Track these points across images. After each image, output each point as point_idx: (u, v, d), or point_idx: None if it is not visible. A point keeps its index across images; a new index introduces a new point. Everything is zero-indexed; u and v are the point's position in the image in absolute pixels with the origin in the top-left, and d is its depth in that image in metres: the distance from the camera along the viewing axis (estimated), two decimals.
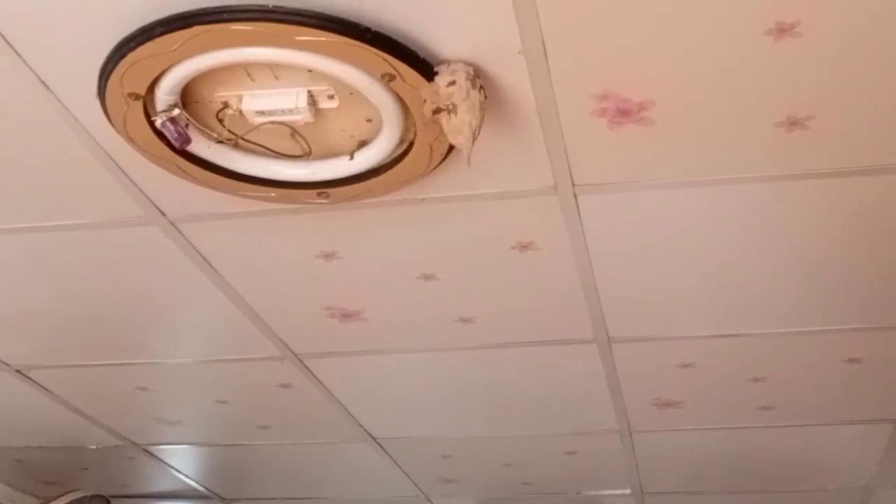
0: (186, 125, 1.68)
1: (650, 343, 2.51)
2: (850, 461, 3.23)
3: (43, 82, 1.67)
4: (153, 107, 1.65)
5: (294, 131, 1.73)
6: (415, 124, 1.66)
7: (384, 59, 1.51)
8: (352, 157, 1.77)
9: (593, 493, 3.67)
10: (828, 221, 1.98)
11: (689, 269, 2.17)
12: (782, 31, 1.49)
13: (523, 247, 2.10)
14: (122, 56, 1.53)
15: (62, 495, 3.23)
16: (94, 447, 3.38)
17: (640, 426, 3.02)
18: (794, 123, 1.69)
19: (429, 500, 3.79)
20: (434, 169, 1.79)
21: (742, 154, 1.79)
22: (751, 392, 2.75)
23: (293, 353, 2.63)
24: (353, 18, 1.48)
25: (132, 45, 1.51)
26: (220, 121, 1.71)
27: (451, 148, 1.71)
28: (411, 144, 1.72)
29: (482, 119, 1.58)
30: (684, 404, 2.85)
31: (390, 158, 1.77)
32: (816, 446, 3.10)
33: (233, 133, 1.72)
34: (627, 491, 3.61)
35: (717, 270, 2.17)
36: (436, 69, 1.56)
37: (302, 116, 1.65)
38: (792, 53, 1.54)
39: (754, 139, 1.74)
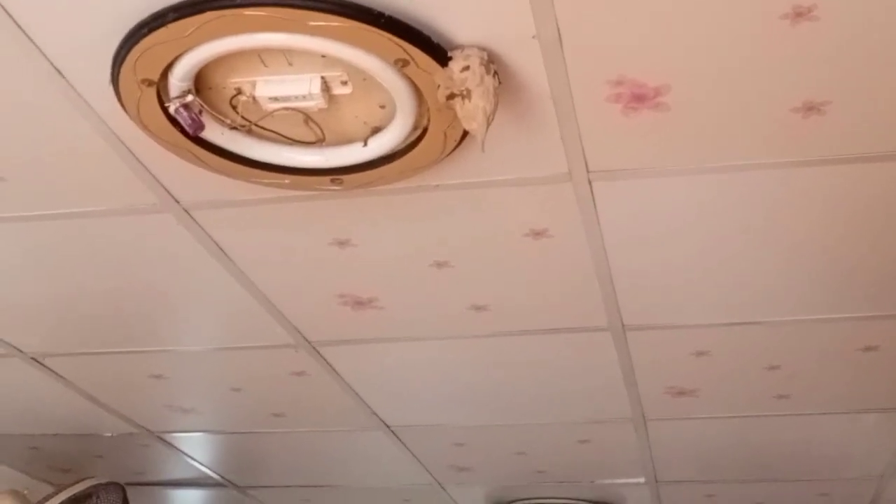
0: (200, 111, 1.68)
1: (665, 331, 2.50)
2: (865, 450, 3.22)
3: (56, 69, 1.67)
4: (166, 93, 1.64)
5: (307, 118, 1.73)
6: (428, 110, 1.66)
7: (398, 44, 1.50)
8: (365, 144, 1.76)
9: (607, 481, 3.67)
10: (844, 207, 1.97)
11: (704, 257, 2.16)
12: (799, 14, 1.48)
13: (537, 234, 2.09)
14: (136, 42, 1.52)
15: (77, 482, 3.24)
16: (109, 435, 3.39)
17: (654, 415, 3.01)
18: (810, 109, 1.68)
19: (442, 487, 3.80)
20: (448, 155, 1.78)
21: (758, 140, 1.77)
22: (766, 380, 2.73)
23: (307, 340, 2.63)
24: (366, 3, 1.47)
25: (145, 31, 1.50)
26: (234, 107, 1.70)
27: (465, 134, 1.70)
28: (425, 131, 1.72)
29: (496, 105, 1.58)
30: (699, 393, 2.84)
31: (404, 145, 1.76)
32: (831, 435, 3.09)
33: (246, 119, 1.72)
34: (642, 480, 3.60)
35: (732, 258, 2.16)
36: (450, 54, 1.55)
37: (315, 103, 1.64)
38: (808, 38, 1.52)
39: (770, 125, 1.73)
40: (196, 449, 3.55)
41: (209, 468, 3.74)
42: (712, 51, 1.56)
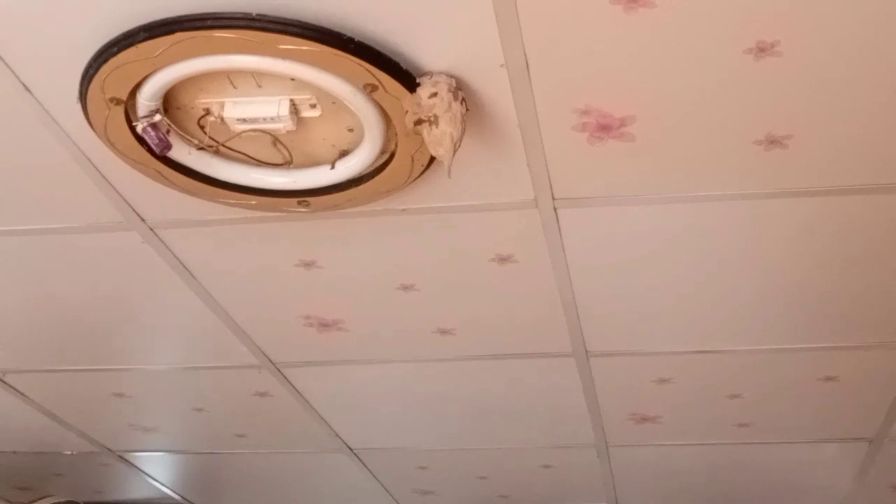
0: (167, 131, 1.68)
1: (628, 358, 2.51)
2: (825, 479, 3.24)
3: (24, 86, 1.67)
4: (134, 112, 1.64)
5: (276, 139, 1.73)
6: (396, 135, 1.67)
7: (367, 69, 1.51)
8: (333, 167, 1.77)
9: None
10: (806, 240, 1.99)
11: (668, 285, 2.18)
12: (762, 50, 1.50)
13: (503, 259, 2.10)
14: (105, 61, 1.53)
15: (34, 501, 3.21)
16: (69, 453, 3.35)
17: (617, 441, 3.03)
18: (772, 142, 1.70)
19: None
20: (415, 180, 1.79)
21: (721, 171, 1.80)
22: (727, 408, 2.75)
23: (271, 361, 2.62)
24: (336, 28, 1.48)
25: (115, 49, 1.51)
26: (202, 127, 1.71)
27: (433, 159, 1.71)
28: (392, 155, 1.73)
29: (463, 131, 1.59)
30: (661, 419, 2.85)
31: (371, 168, 1.77)
32: (792, 464, 3.11)
33: (214, 140, 1.72)
34: None
35: (695, 287, 2.18)
36: (418, 80, 1.56)
37: (284, 125, 1.65)
38: (772, 72, 1.55)
39: (733, 157, 1.75)
40: (157, 468, 3.52)
41: (170, 488, 3.70)
42: (677, 83, 1.59)
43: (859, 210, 1.90)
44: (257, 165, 1.79)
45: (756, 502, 3.48)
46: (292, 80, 1.58)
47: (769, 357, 2.47)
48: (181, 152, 1.74)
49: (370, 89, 1.55)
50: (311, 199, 1.85)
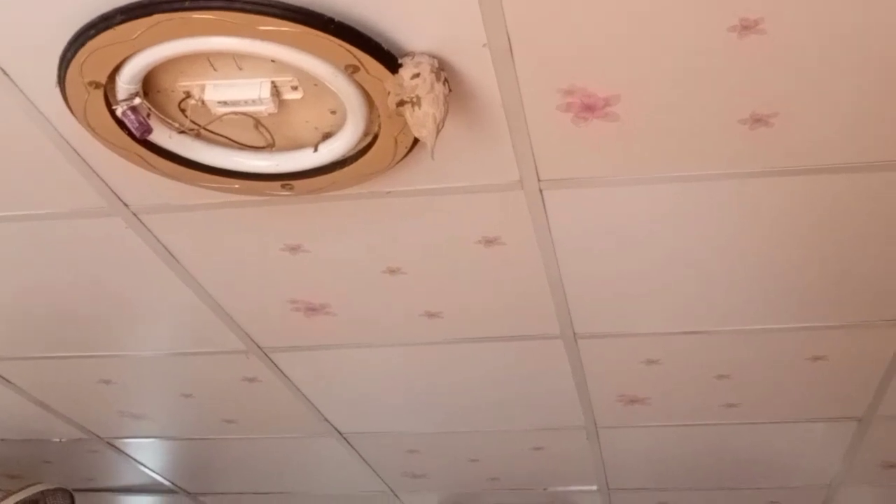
0: (148, 115, 1.67)
1: (616, 339, 2.51)
2: (813, 458, 3.25)
3: (2, 70, 1.65)
4: (114, 96, 1.63)
5: (258, 122, 1.72)
6: (379, 117, 1.65)
7: (348, 50, 1.50)
8: (316, 149, 1.76)
9: (560, 488, 3.68)
10: (792, 219, 1.99)
11: (655, 266, 2.18)
12: (746, 27, 1.49)
13: (489, 241, 2.09)
14: (83, 44, 1.51)
15: (24, 488, 3.19)
16: (58, 440, 3.35)
17: (606, 422, 3.03)
18: (757, 121, 1.69)
19: (395, 495, 3.78)
20: (399, 162, 1.78)
21: (707, 151, 1.79)
22: (716, 389, 2.75)
23: (258, 346, 2.61)
24: (316, 9, 1.47)
25: (92, 32, 1.49)
26: (183, 111, 1.69)
27: (416, 141, 1.70)
28: (376, 137, 1.71)
29: (446, 112, 1.58)
30: (650, 401, 2.85)
31: (355, 151, 1.76)
32: (780, 443, 3.12)
33: (195, 123, 1.71)
34: (594, 487, 3.62)
35: (682, 267, 2.18)
36: (400, 61, 1.55)
37: (265, 107, 1.64)
38: (756, 50, 1.54)
39: (719, 136, 1.74)
40: (147, 455, 3.51)
41: (160, 474, 3.70)
42: (661, 62, 1.57)
43: (845, 188, 1.89)
44: (239, 149, 1.78)
45: (746, 482, 3.49)
46: (273, 61, 1.56)
47: (757, 337, 2.47)
48: (162, 136, 1.72)
49: (351, 70, 1.54)
50: (295, 183, 1.83)
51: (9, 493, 3.14)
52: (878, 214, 1.96)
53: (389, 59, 1.54)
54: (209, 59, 1.59)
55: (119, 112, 1.63)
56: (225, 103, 1.63)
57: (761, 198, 1.92)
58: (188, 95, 1.65)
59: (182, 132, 1.73)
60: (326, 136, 1.75)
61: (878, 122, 1.70)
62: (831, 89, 1.63)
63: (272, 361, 2.69)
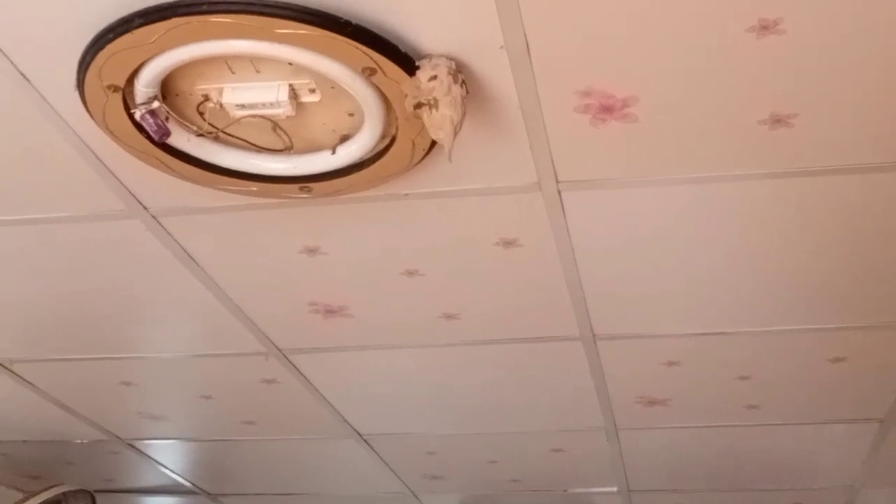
0: (166, 118, 1.67)
1: (636, 341, 2.50)
2: (835, 460, 3.23)
3: (22, 74, 1.66)
4: (133, 99, 1.63)
5: (275, 125, 1.72)
6: (397, 119, 1.65)
7: (365, 52, 1.50)
8: (334, 152, 1.76)
9: (580, 490, 3.67)
10: (812, 220, 1.98)
11: (675, 267, 2.17)
12: (765, 28, 1.48)
13: (507, 243, 2.09)
14: (101, 48, 1.52)
15: (46, 489, 3.22)
16: (79, 442, 3.37)
17: (626, 424, 3.02)
18: (777, 121, 1.68)
19: (415, 496, 3.78)
20: (417, 164, 1.77)
21: (726, 152, 1.78)
22: (736, 390, 2.74)
23: (277, 348, 2.62)
24: (333, 11, 1.47)
25: (111, 36, 1.50)
26: (201, 114, 1.69)
27: (434, 143, 1.70)
28: (393, 139, 1.71)
29: (464, 114, 1.57)
30: (670, 402, 2.84)
31: (373, 153, 1.76)
32: (802, 445, 3.10)
33: (213, 126, 1.71)
34: (614, 489, 3.61)
35: (702, 268, 2.17)
36: (417, 63, 1.55)
37: (283, 110, 1.64)
38: (775, 51, 1.53)
39: (738, 137, 1.73)
40: (167, 456, 3.53)
41: (180, 475, 3.71)
42: (679, 63, 1.57)
43: (866, 188, 1.88)
44: (258, 151, 1.78)
45: (767, 483, 3.47)
46: (290, 64, 1.57)
47: (777, 338, 2.45)
48: (180, 139, 1.73)
49: (369, 73, 1.54)
50: (313, 185, 1.83)
51: (31, 494, 3.17)
52: None
53: (407, 62, 1.54)
54: (227, 63, 1.59)
55: (138, 115, 1.64)
56: (243, 106, 1.64)
57: (782, 198, 1.91)
58: (206, 98, 1.66)
59: (200, 135, 1.73)
60: (344, 138, 1.75)
61: None
62: (851, 89, 1.62)
63: (291, 363, 2.70)
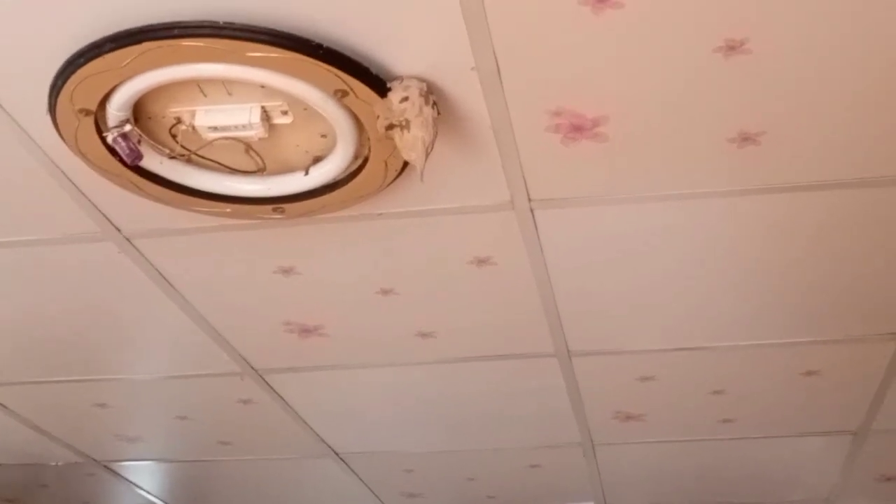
0: (139, 141, 1.67)
1: (610, 357, 2.51)
2: (810, 473, 3.25)
3: None
4: (105, 123, 1.63)
5: (248, 147, 1.73)
6: (369, 140, 1.66)
7: (336, 75, 1.51)
8: (307, 173, 1.77)
9: None
10: (782, 236, 2.00)
11: (648, 283, 2.18)
12: (732, 48, 1.50)
13: (481, 262, 2.10)
14: (72, 72, 1.52)
15: None
16: (54, 464, 3.34)
17: (602, 439, 3.02)
18: (745, 139, 1.70)
19: None
20: (390, 184, 1.78)
21: (696, 170, 1.80)
22: (711, 405, 2.76)
23: (253, 368, 2.61)
24: (304, 34, 1.48)
25: (82, 60, 1.50)
26: (174, 136, 1.70)
27: (407, 164, 1.71)
28: (366, 160, 1.72)
29: (435, 135, 1.59)
30: (646, 417, 2.85)
31: (345, 174, 1.76)
32: (777, 458, 3.12)
33: (186, 149, 1.71)
34: None
35: (675, 284, 2.18)
36: (389, 85, 1.56)
37: (255, 132, 1.64)
38: (742, 70, 1.55)
39: (708, 155, 1.75)
40: (143, 478, 3.51)
41: (157, 497, 3.69)
42: (647, 83, 1.58)
43: (835, 205, 1.90)
44: (230, 173, 1.78)
45: (743, 497, 3.48)
46: (262, 87, 1.57)
47: (751, 353, 2.47)
48: (153, 162, 1.73)
49: (341, 95, 1.55)
50: (287, 206, 1.84)
51: None
52: (869, 229, 1.97)
53: (378, 84, 1.55)
54: (199, 86, 1.60)
55: (110, 139, 1.64)
56: (215, 128, 1.64)
57: (752, 215, 1.93)
58: (178, 121, 1.66)
59: (173, 157, 1.74)
60: (317, 159, 1.76)
61: (865, 139, 1.71)
62: (818, 107, 1.64)
63: (267, 383, 2.69)
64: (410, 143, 1.56)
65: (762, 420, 2.85)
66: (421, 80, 1.57)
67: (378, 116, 1.57)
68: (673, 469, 3.26)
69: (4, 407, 2.88)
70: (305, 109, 1.63)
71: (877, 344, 2.39)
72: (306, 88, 1.54)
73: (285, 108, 1.63)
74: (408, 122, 1.54)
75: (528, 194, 1.87)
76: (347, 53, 1.51)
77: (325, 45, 1.48)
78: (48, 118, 1.65)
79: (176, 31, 1.44)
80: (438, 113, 1.59)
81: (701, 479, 3.34)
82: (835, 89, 1.60)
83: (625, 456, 3.16)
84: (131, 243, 2.07)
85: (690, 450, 3.09)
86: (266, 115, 1.63)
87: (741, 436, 2.95)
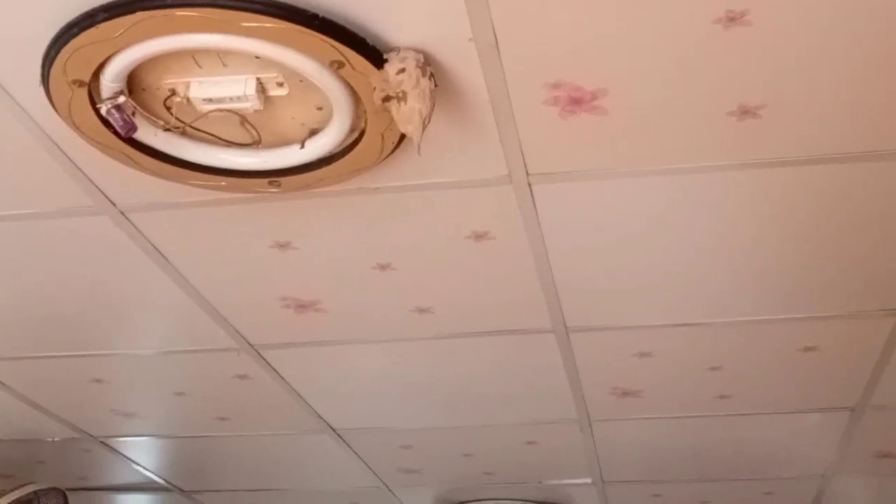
0: (133, 113, 1.66)
1: (608, 332, 2.51)
2: (806, 449, 3.25)
3: None
4: (98, 94, 1.62)
5: (243, 119, 1.71)
6: (365, 112, 1.65)
7: (332, 45, 1.49)
8: (303, 146, 1.75)
9: (554, 482, 3.68)
10: (781, 210, 1.98)
11: (646, 259, 2.17)
12: (732, 19, 1.49)
13: (479, 236, 2.09)
14: (65, 42, 1.50)
15: (17, 488, 3.19)
16: (51, 440, 3.34)
17: (599, 415, 3.02)
18: (745, 112, 1.69)
19: (390, 490, 3.78)
20: (386, 158, 1.77)
21: (695, 143, 1.78)
22: (708, 381, 2.75)
23: (249, 343, 2.61)
24: (300, 4, 1.46)
25: (75, 30, 1.48)
26: (168, 108, 1.68)
27: (403, 137, 1.69)
28: (363, 133, 1.71)
29: (432, 107, 1.57)
30: (643, 393, 2.85)
31: (342, 147, 1.75)
32: (774, 434, 3.12)
33: (181, 121, 1.70)
34: (588, 480, 3.62)
35: (673, 260, 2.17)
36: (385, 56, 1.54)
37: (251, 104, 1.63)
38: (742, 42, 1.53)
39: (707, 128, 1.74)
40: (140, 453, 3.51)
41: (154, 473, 3.69)
42: (647, 55, 1.57)
43: (835, 179, 1.89)
44: (226, 146, 1.77)
45: (740, 473, 3.49)
46: (257, 58, 1.56)
47: (749, 328, 2.46)
48: (147, 134, 1.72)
49: (337, 66, 1.53)
50: (282, 180, 1.82)
51: (2, 493, 3.14)
52: (868, 204, 1.96)
53: (375, 55, 1.53)
54: (193, 56, 1.58)
55: (104, 110, 1.62)
56: (210, 100, 1.62)
57: (751, 189, 1.92)
58: (173, 93, 1.65)
59: (167, 130, 1.72)
60: (313, 132, 1.74)
61: (866, 112, 1.70)
62: (818, 80, 1.62)
63: (263, 359, 2.69)
64: (407, 116, 1.54)
65: (759, 396, 2.84)
66: (418, 51, 1.55)
67: (374, 88, 1.55)
68: (670, 445, 3.26)
69: (0, 383, 2.87)
70: (301, 81, 1.61)
71: (875, 320, 2.38)
72: (302, 59, 1.52)
73: (281, 79, 1.61)
74: (405, 93, 1.53)
75: (526, 168, 1.86)
76: (343, 24, 1.49)
77: (321, 14, 1.47)
78: (41, 90, 1.63)
79: (170, 1, 1.43)
80: (436, 85, 1.58)
81: (697, 455, 3.34)
82: (835, 62, 1.59)
83: (622, 432, 3.16)
84: (126, 217, 2.05)
85: (687, 426, 3.09)
86: (261, 87, 1.62)
87: (738, 412, 2.95)
